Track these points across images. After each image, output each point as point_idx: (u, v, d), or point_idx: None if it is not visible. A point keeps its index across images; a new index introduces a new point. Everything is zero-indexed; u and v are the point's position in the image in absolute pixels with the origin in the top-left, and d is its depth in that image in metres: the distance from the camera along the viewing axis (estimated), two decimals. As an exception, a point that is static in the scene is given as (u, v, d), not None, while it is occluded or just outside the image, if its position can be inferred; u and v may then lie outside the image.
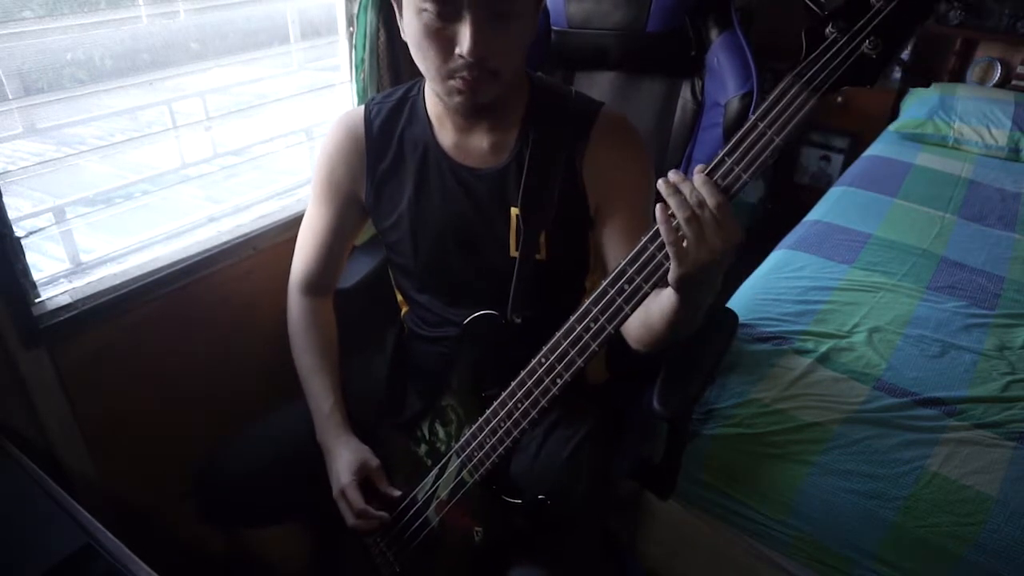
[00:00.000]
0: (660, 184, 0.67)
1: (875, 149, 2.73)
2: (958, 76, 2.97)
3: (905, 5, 0.56)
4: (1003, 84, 2.89)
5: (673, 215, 0.66)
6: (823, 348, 1.53)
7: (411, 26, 0.81)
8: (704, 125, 1.20)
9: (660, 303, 0.79)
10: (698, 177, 0.65)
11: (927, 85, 0.71)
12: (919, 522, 1.16)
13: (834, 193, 2.37)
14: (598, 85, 1.32)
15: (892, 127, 2.84)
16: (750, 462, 1.27)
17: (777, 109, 0.62)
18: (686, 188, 0.66)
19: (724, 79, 1.14)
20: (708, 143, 1.18)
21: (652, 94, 1.27)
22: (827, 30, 0.59)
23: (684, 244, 0.66)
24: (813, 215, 2.21)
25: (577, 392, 1.05)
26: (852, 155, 2.88)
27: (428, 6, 0.77)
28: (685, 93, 1.24)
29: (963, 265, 1.91)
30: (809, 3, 0.60)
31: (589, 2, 1.25)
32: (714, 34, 1.17)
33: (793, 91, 0.61)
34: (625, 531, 1.39)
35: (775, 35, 2.58)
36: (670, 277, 0.69)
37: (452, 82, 0.82)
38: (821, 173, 3.16)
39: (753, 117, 0.63)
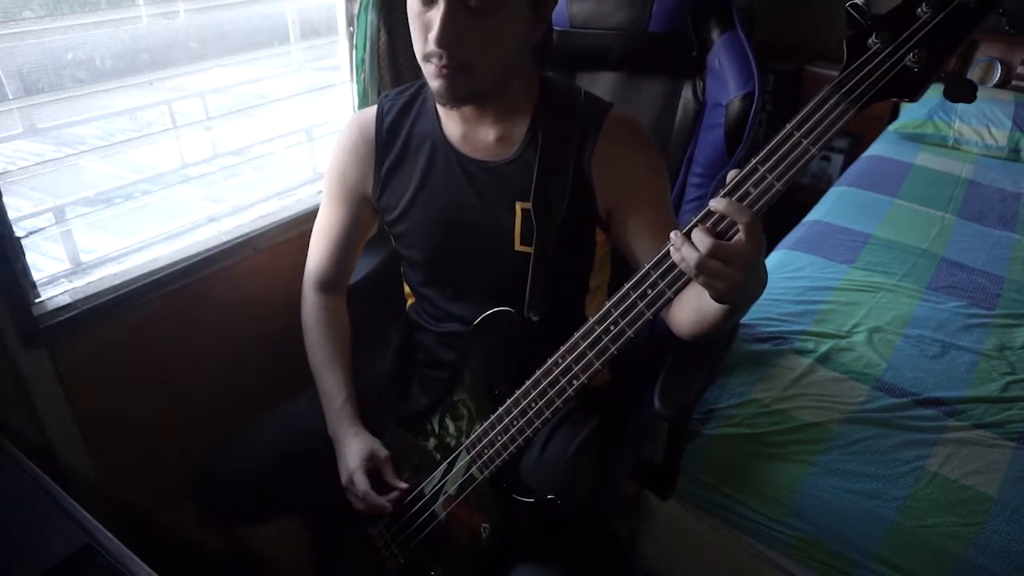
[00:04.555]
0: (671, 238, 0.68)
1: (875, 149, 2.73)
2: (958, 76, 2.97)
3: (951, 18, 0.55)
4: (1003, 84, 2.89)
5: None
6: (823, 348, 1.53)
7: (409, 8, 0.84)
8: (705, 126, 1.20)
9: (710, 304, 0.78)
10: (697, 233, 0.66)
11: (970, 100, 0.67)
12: (919, 522, 1.16)
13: (834, 193, 2.37)
14: (599, 85, 1.31)
15: (892, 127, 2.84)
16: (750, 462, 1.27)
17: (815, 119, 0.61)
18: (678, 245, 0.67)
19: (725, 80, 1.14)
20: (709, 144, 1.18)
21: (653, 94, 1.27)
22: (870, 40, 0.58)
23: (706, 280, 0.67)
24: (813, 215, 2.21)
25: (582, 394, 1.05)
26: (852, 155, 2.88)
27: None
28: (686, 93, 1.24)
29: (963, 265, 1.91)
30: (852, 12, 0.59)
31: (591, 2, 1.24)
32: (716, 35, 1.17)
33: (832, 101, 0.60)
34: (625, 531, 1.39)
35: (777, 36, 2.58)
36: (709, 295, 0.70)
37: (428, 66, 0.84)
38: (821, 173, 3.15)
39: (789, 126, 0.62)
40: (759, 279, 0.71)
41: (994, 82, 2.90)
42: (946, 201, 2.29)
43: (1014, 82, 2.88)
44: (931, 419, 1.36)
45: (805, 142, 0.61)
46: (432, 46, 0.79)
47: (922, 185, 2.40)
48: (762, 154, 0.63)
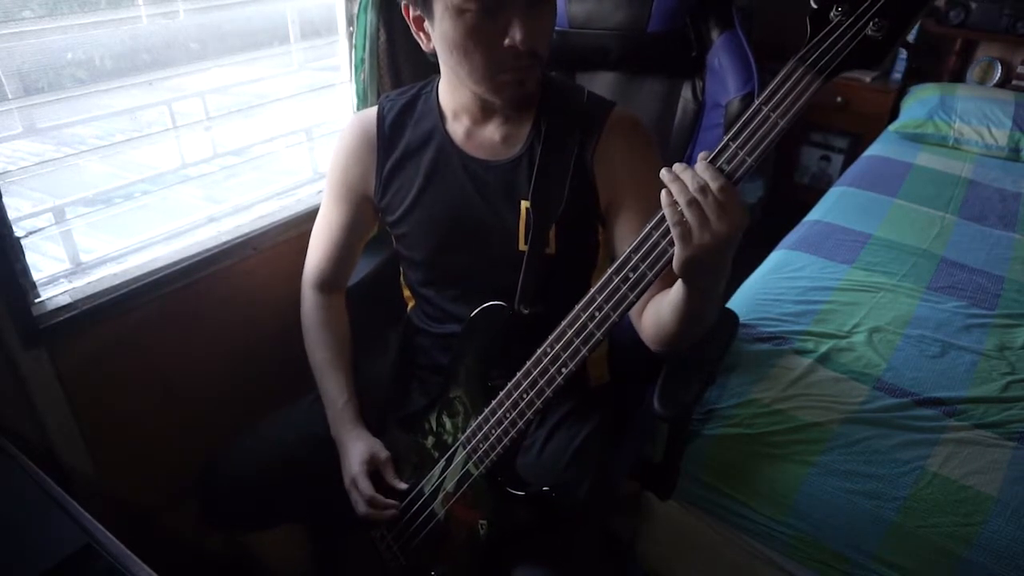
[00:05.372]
0: (663, 172, 0.68)
1: (875, 149, 2.73)
2: (958, 76, 2.97)
3: None
4: (1003, 84, 2.89)
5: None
6: (823, 348, 1.53)
7: (450, 31, 0.81)
8: (705, 126, 1.20)
9: (670, 297, 0.79)
10: (700, 164, 0.66)
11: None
12: (919, 522, 1.16)
13: (834, 193, 2.37)
14: (598, 85, 1.31)
15: (892, 127, 2.84)
16: (750, 462, 1.27)
17: (781, 92, 0.62)
18: (687, 175, 0.66)
19: (725, 80, 1.14)
20: (709, 143, 1.18)
21: (653, 94, 1.27)
22: (832, 13, 0.60)
23: (688, 227, 0.66)
24: (813, 215, 2.21)
25: (580, 394, 1.05)
26: (852, 155, 2.88)
27: (471, 5, 0.78)
28: (686, 94, 1.24)
29: (963, 265, 1.91)
30: None
31: (591, 2, 1.24)
32: (715, 35, 1.17)
33: (797, 74, 0.62)
34: (625, 531, 1.39)
35: (776, 35, 2.58)
36: (675, 261, 0.68)
37: (502, 76, 0.84)
38: (821, 173, 3.15)
39: (758, 101, 0.63)
40: (724, 265, 0.70)
41: (994, 82, 2.90)
42: (946, 201, 2.29)
43: (1014, 82, 2.87)
44: (931, 419, 1.36)
45: (774, 116, 0.63)
46: (518, 49, 0.80)
47: (922, 185, 2.40)
48: (733, 131, 0.65)
